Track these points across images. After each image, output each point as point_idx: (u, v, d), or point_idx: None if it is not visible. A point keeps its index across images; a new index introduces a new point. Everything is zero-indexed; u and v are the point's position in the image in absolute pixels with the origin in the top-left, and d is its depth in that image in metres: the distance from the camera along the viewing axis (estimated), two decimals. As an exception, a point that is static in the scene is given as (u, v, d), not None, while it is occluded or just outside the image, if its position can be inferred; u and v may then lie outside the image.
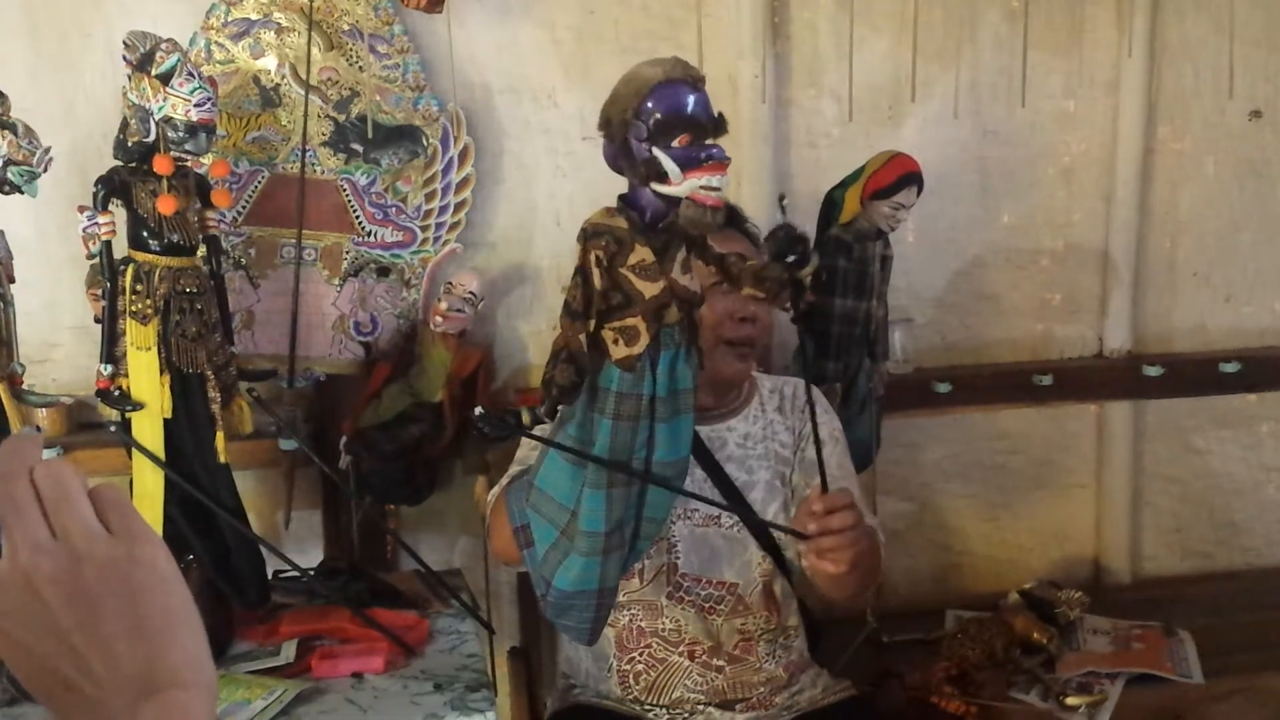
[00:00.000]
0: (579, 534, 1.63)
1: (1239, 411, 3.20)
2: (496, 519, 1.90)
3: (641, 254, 1.54)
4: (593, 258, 1.54)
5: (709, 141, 1.56)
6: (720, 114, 1.60)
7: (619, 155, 1.56)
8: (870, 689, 2.36)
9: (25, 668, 0.73)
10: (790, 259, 1.72)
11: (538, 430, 1.79)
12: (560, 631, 1.96)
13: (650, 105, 1.53)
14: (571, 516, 1.65)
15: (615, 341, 1.56)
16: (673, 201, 1.55)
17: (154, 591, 0.74)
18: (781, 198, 2.52)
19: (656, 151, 1.52)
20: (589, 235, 1.54)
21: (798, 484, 2.14)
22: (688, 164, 1.54)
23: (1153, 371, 3.01)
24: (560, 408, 1.65)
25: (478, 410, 1.60)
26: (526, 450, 2.02)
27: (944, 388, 2.89)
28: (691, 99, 1.56)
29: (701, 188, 1.54)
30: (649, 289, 1.54)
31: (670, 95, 1.54)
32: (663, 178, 1.53)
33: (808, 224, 2.65)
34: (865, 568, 1.86)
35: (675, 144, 1.53)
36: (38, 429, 2.32)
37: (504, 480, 1.99)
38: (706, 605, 2.07)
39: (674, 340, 1.58)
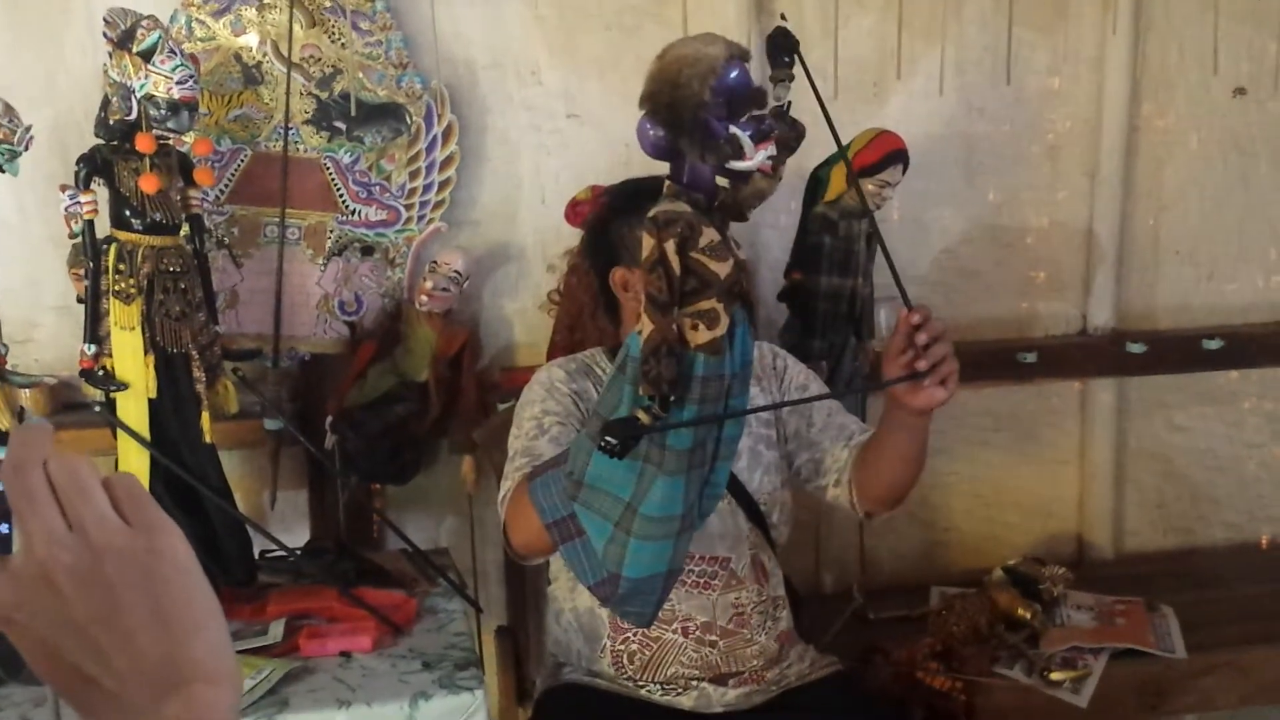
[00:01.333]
0: (647, 520, 1.60)
1: (1221, 388, 3.22)
2: (520, 514, 1.83)
3: (709, 235, 1.53)
4: (671, 245, 1.53)
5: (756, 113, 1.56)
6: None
7: (688, 138, 1.54)
8: (856, 665, 2.37)
9: (44, 662, 0.72)
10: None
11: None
12: (620, 618, 1.95)
13: (727, 83, 1.51)
14: (626, 508, 1.63)
15: (694, 327, 1.54)
16: (739, 176, 1.54)
17: (175, 582, 0.72)
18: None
19: (734, 129, 1.51)
20: (662, 224, 1.52)
21: (797, 428, 2.14)
22: (758, 137, 1.53)
23: (1136, 349, 3.01)
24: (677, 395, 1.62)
25: (604, 435, 1.55)
26: (526, 441, 1.98)
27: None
28: (749, 73, 1.56)
29: (768, 157, 1.54)
30: (722, 269, 1.52)
31: (738, 72, 1.53)
32: (739, 154, 1.52)
33: (794, 201, 2.66)
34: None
35: (743, 119, 1.52)
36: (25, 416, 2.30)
37: (515, 474, 1.94)
38: (701, 581, 2.07)
39: (740, 316, 1.57)
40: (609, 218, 2.06)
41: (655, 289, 1.51)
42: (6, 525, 0.73)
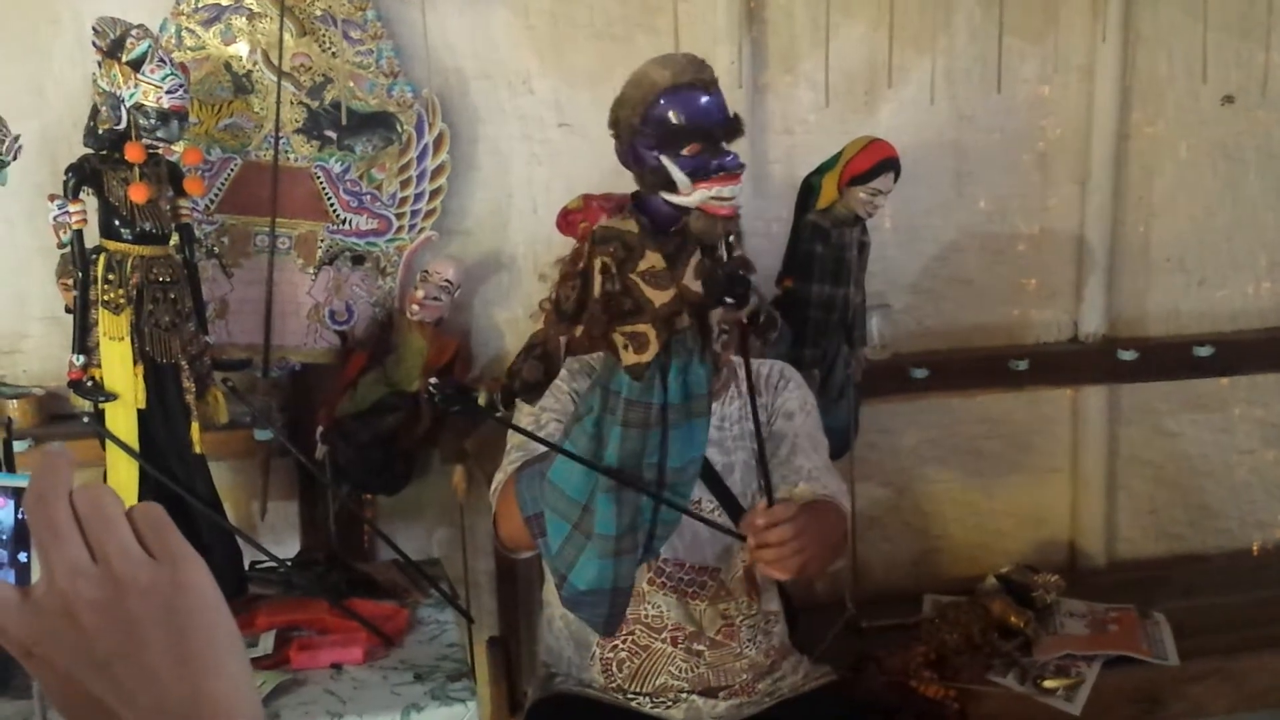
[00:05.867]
0: (595, 536, 1.62)
1: (1212, 395, 3.22)
2: (506, 506, 1.88)
3: (652, 260, 1.50)
4: (598, 263, 1.50)
5: (724, 147, 1.51)
6: (735, 116, 1.54)
7: (628, 157, 1.53)
8: (849, 674, 2.36)
9: (62, 696, 0.70)
10: (728, 300, 1.63)
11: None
12: (580, 620, 1.96)
13: (657, 112, 1.46)
14: (584, 511, 1.63)
15: (625, 347, 1.53)
16: (683, 208, 1.52)
17: (199, 617, 0.71)
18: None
19: (665, 160, 1.48)
20: (597, 239, 1.51)
21: (771, 448, 2.13)
22: (697, 174, 1.49)
23: (1127, 356, 3.02)
24: (524, 398, 1.63)
25: (433, 379, 1.58)
26: (521, 438, 1.99)
27: (921, 373, 2.89)
28: (702, 104, 1.51)
29: (712, 198, 1.49)
30: (659, 297, 1.50)
31: (678, 102, 1.48)
32: (672, 186, 1.49)
33: (785, 209, 2.66)
34: (821, 553, 1.85)
35: (685, 152, 1.48)
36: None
37: (509, 466, 1.95)
38: (689, 590, 2.07)
39: (685, 348, 1.55)
40: None
41: (563, 296, 1.52)
42: (26, 554, 0.71)
